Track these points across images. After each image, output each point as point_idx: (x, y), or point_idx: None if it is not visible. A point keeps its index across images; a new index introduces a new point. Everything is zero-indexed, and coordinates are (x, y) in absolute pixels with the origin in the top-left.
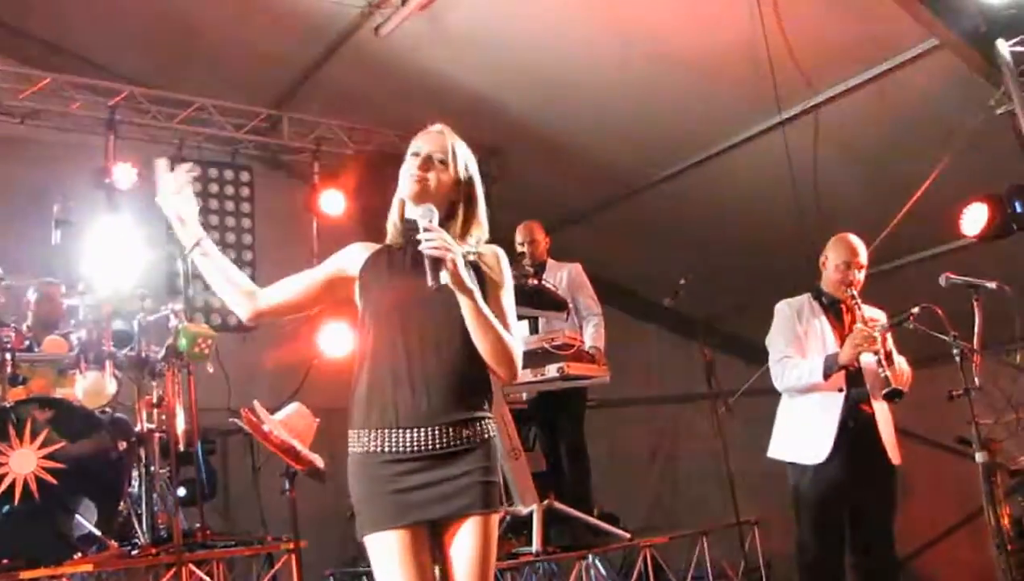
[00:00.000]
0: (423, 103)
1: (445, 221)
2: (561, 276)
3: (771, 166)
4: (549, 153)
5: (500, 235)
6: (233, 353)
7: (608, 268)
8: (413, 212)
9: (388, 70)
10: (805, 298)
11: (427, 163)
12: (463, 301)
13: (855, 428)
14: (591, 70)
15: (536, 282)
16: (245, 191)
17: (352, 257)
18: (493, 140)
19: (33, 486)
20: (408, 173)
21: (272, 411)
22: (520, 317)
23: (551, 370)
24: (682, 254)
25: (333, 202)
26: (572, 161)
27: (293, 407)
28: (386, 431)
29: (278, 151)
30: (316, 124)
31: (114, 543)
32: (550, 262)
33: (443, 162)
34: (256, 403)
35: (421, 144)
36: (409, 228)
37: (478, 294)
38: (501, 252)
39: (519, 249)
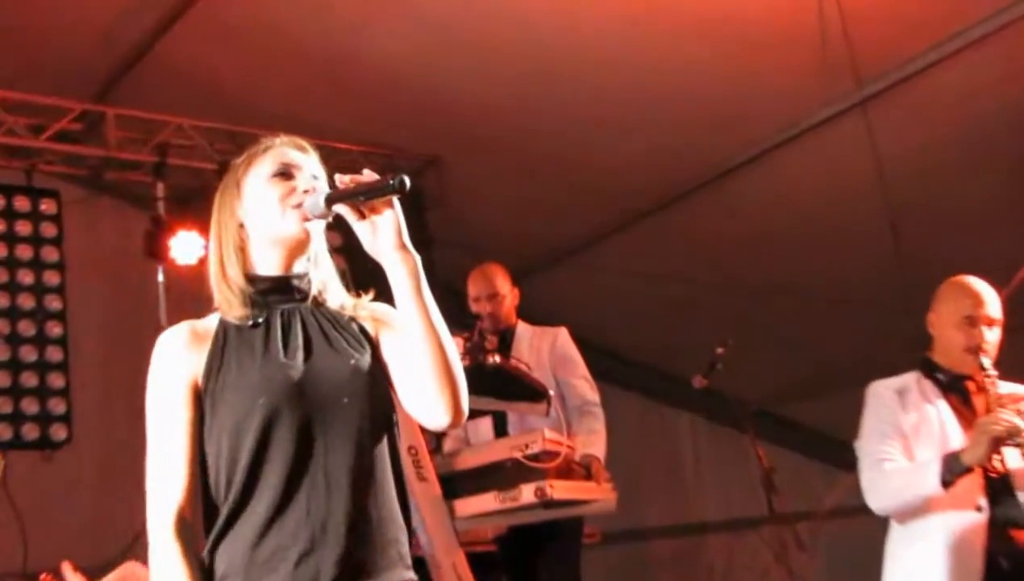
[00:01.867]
0: (321, 92)
1: (305, 280)
2: (539, 348)
3: (845, 167)
4: (518, 164)
5: (443, 285)
6: (31, 483)
7: (610, 333)
8: (294, 216)
9: (266, 42)
10: (912, 376)
11: (302, 180)
12: (404, 274)
13: (1011, 571)
14: (585, 50)
15: (499, 360)
16: (49, 229)
17: (182, 360)
18: (429, 145)
19: None
20: (280, 196)
21: (93, 577)
22: (475, 413)
23: (526, 493)
24: (720, 307)
25: (188, 243)
26: (554, 174)
27: (127, 569)
28: None
29: (100, 166)
30: (159, 124)
31: None
32: (521, 327)
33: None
34: (66, 567)
35: (286, 154)
36: (271, 288)
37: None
38: (383, 306)
39: (473, 307)
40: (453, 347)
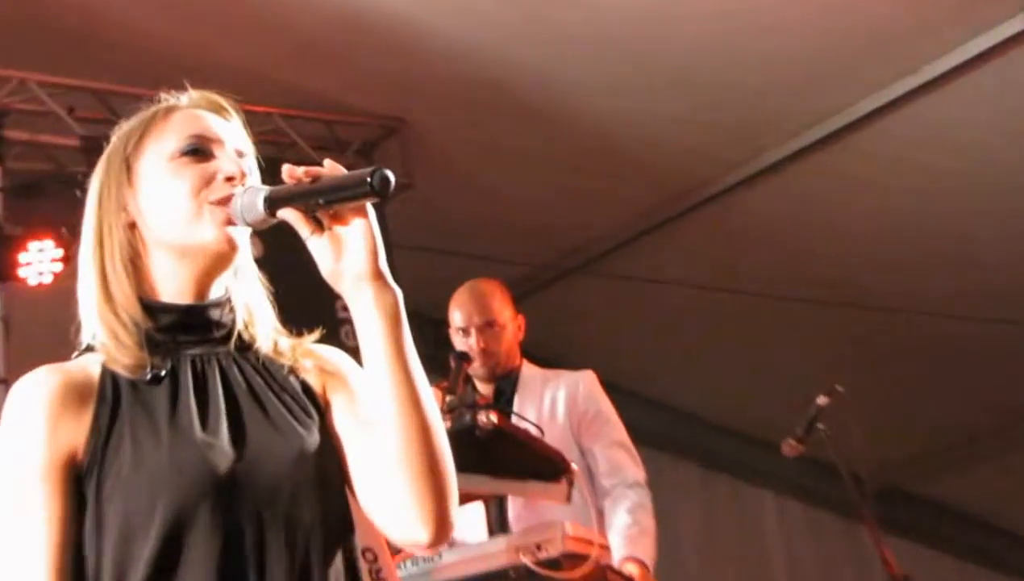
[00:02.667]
0: (240, 32)
1: (227, 309)
2: (554, 401)
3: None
4: (521, 130)
5: (408, 309)
6: None
7: (658, 377)
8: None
9: None
10: None
11: (225, 161)
12: (377, 317)
13: None
14: None
15: (497, 420)
16: None
17: (52, 425)
18: (389, 103)
19: None
20: (192, 187)
21: None
22: (466, 497)
23: None
24: (817, 337)
25: (40, 255)
26: (571, 147)
27: None
28: None
29: None
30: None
31: None
32: (528, 371)
33: (244, 171)
34: None
35: (200, 121)
36: (178, 322)
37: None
38: (332, 349)
39: (457, 341)
40: (441, 429)
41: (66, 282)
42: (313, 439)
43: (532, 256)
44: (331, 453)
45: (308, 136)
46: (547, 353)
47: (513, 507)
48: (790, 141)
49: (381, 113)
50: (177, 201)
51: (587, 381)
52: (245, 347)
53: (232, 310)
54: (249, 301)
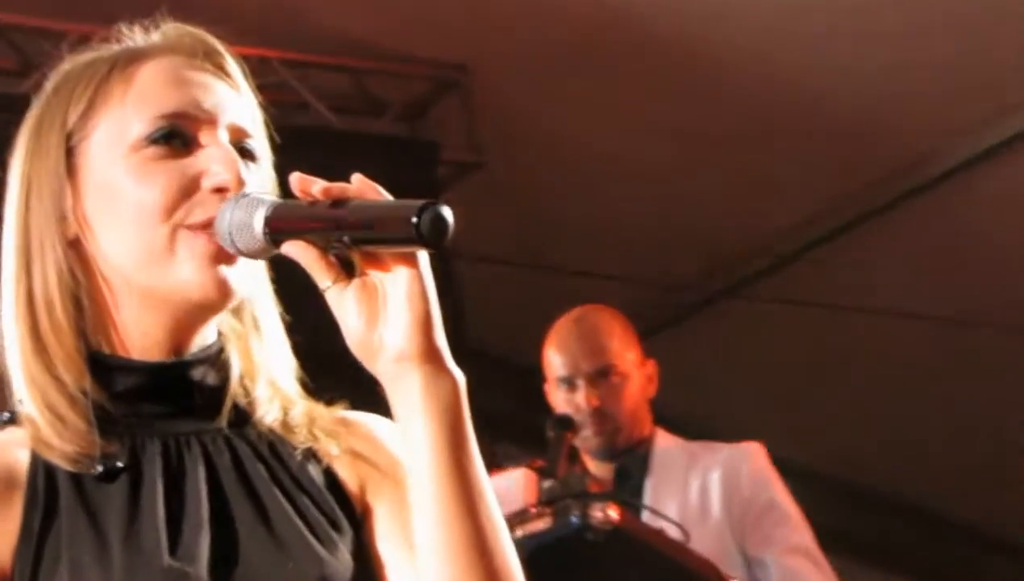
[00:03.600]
0: None
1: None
2: (703, 488)
3: None
4: (645, 87)
5: (473, 347)
6: None
7: (855, 449)
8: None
9: None
10: None
11: (214, 154)
12: (427, 414)
13: None
14: None
15: (619, 517)
16: None
17: None
18: (451, 44)
19: None
20: (164, 200)
21: None
22: None
23: None
24: None
25: None
26: (724, 109)
27: None
28: None
29: None
30: None
31: None
32: (664, 444)
33: (254, 157)
34: None
35: (181, 78)
36: (145, 387)
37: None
38: (380, 421)
39: (558, 401)
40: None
41: None
42: (339, 565)
43: (660, 273)
44: None
45: (326, 93)
46: (685, 416)
47: None
48: None
49: (435, 59)
50: (139, 222)
51: (753, 458)
52: (242, 421)
53: (225, 367)
54: (251, 350)
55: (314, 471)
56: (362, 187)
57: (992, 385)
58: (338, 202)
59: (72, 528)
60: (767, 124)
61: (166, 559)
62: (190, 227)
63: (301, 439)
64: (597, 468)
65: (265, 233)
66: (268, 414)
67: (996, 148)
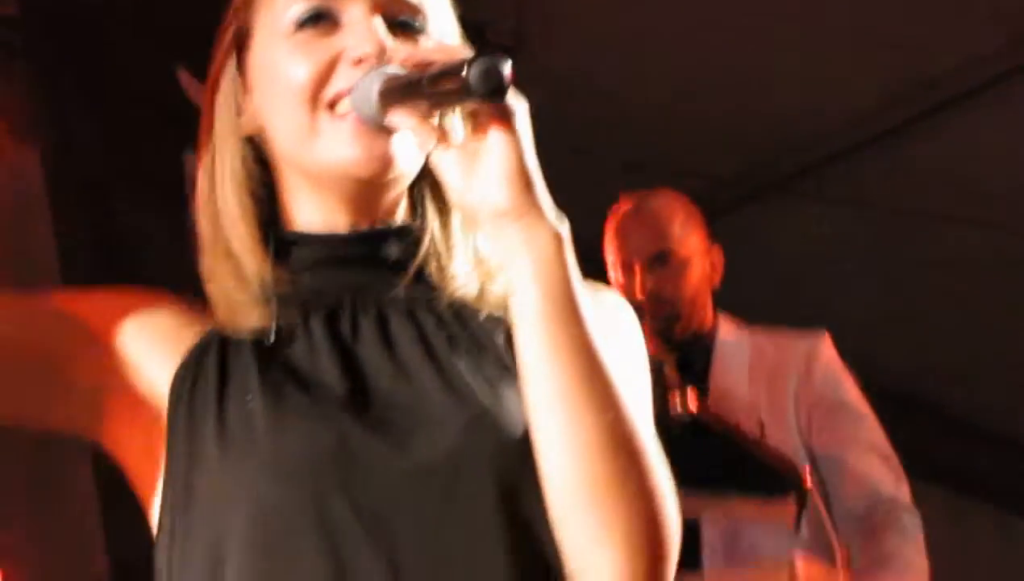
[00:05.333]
0: None
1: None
2: (772, 379)
3: None
4: None
5: None
6: None
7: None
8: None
9: None
10: None
11: (368, 41)
12: (528, 264)
13: None
14: None
15: (693, 404)
16: None
17: (158, 335)
18: None
19: None
20: (307, 79)
21: None
22: None
23: None
24: None
25: None
26: None
27: None
28: None
29: None
30: None
31: None
32: (727, 333)
33: (415, 30)
34: None
35: None
36: (325, 258)
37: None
38: (615, 299)
39: (619, 289)
40: (649, 458)
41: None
42: (515, 419)
43: (717, 163)
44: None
45: None
46: (745, 303)
47: (709, 535)
48: None
49: None
50: (291, 103)
51: (824, 351)
52: (430, 293)
53: (412, 240)
54: (451, 224)
55: (501, 336)
56: (441, 50)
57: None
58: (423, 67)
59: (239, 365)
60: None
61: (342, 413)
62: (331, 102)
63: (494, 308)
64: (666, 356)
65: (378, 103)
66: (462, 288)
67: None
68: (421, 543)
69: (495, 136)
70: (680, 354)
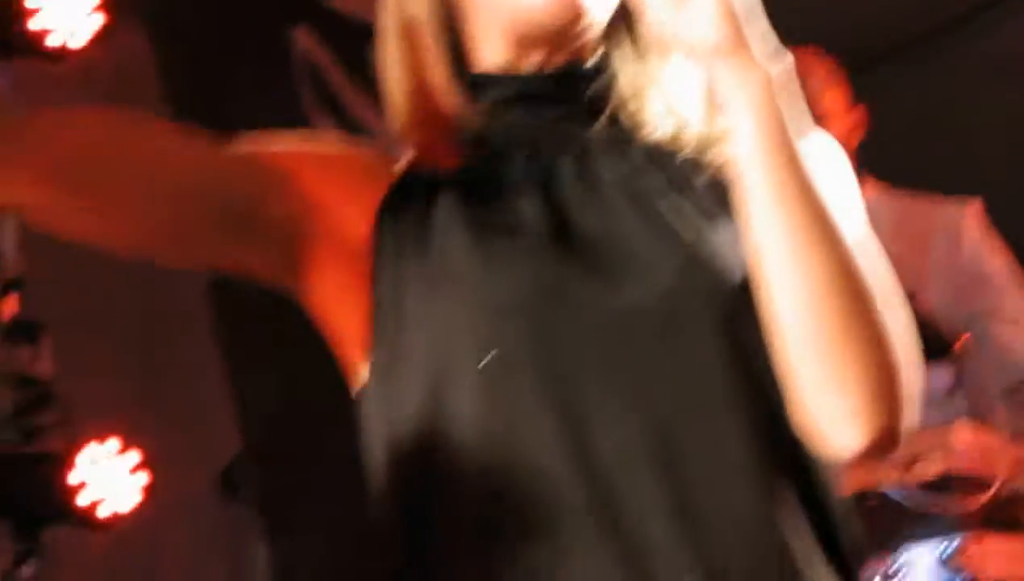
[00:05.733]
0: None
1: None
2: (921, 246)
3: None
4: None
5: None
6: None
7: None
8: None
9: None
10: None
11: None
12: (737, 113)
13: None
14: None
15: None
16: None
17: (351, 178)
18: None
19: None
20: None
21: None
22: None
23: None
24: None
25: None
26: None
27: None
28: None
29: None
30: None
31: None
32: (874, 198)
33: None
34: None
35: None
36: (515, 95)
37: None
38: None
39: None
40: (872, 287)
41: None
42: (724, 257)
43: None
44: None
45: None
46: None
47: None
48: None
49: None
50: None
51: (973, 220)
52: (625, 135)
53: (606, 81)
54: (649, 68)
55: (704, 182)
56: None
57: None
58: None
59: (446, 222)
60: None
61: (548, 251)
62: None
63: (690, 151)
64: None
65: None
66: (657, 130)
67: None
68: (646, 379)
69: None
70: None
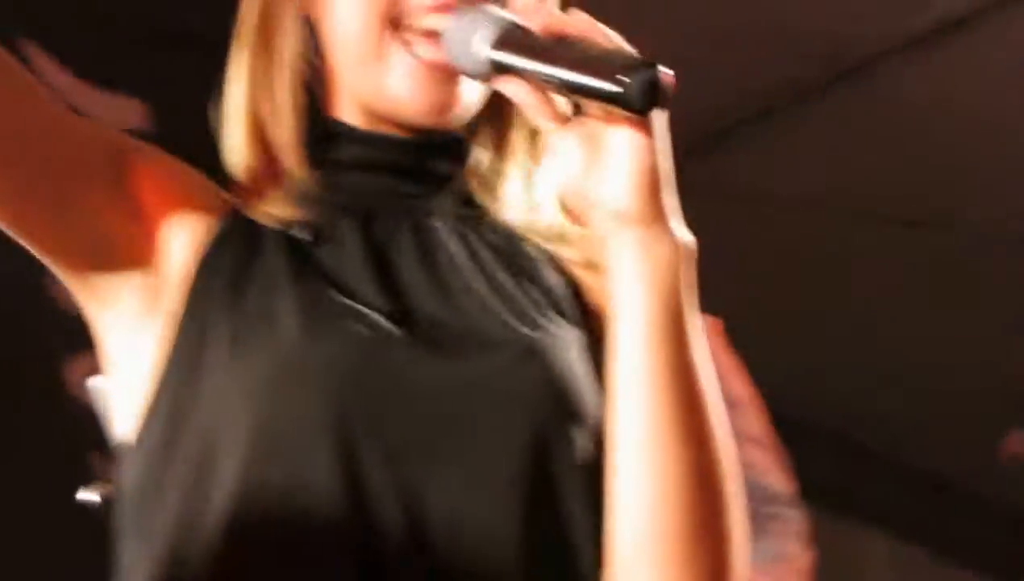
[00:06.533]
0: None
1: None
2: None
3: None
4: None
5: None
6: None
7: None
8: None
9: None
10: None
11: None
12: (644, 285)
13: None
14: None
15: None
16: None
17: (184, 203)
18: None
19: None
20: (378, 8)
21: None
22: None
23: None
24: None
25: None
26: None
27: None
28: None
29: None
30: None
31: None
32: None
33: None
34: None
35: None
36: (367, 159)
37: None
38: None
39: None
40: (734, 488)
41: None
42: (563, 340)
43: None
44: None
45: None
46: None
47: None
48: None
49: None
50: (357, 14)
51: (715, 340)
52: (477, 214)
53: (462, 155)
54: (512, 144)
55: (551, 276)
56: (586, 27)
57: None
58: (557, 39)
59: (268, 279)
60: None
61: (375, 321)
62: (407, 36)
63: (543, 242)
64: None
65: (486, 58)
66: (509, 212)
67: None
68: (440, 476)
69: (628, 134)
70: None
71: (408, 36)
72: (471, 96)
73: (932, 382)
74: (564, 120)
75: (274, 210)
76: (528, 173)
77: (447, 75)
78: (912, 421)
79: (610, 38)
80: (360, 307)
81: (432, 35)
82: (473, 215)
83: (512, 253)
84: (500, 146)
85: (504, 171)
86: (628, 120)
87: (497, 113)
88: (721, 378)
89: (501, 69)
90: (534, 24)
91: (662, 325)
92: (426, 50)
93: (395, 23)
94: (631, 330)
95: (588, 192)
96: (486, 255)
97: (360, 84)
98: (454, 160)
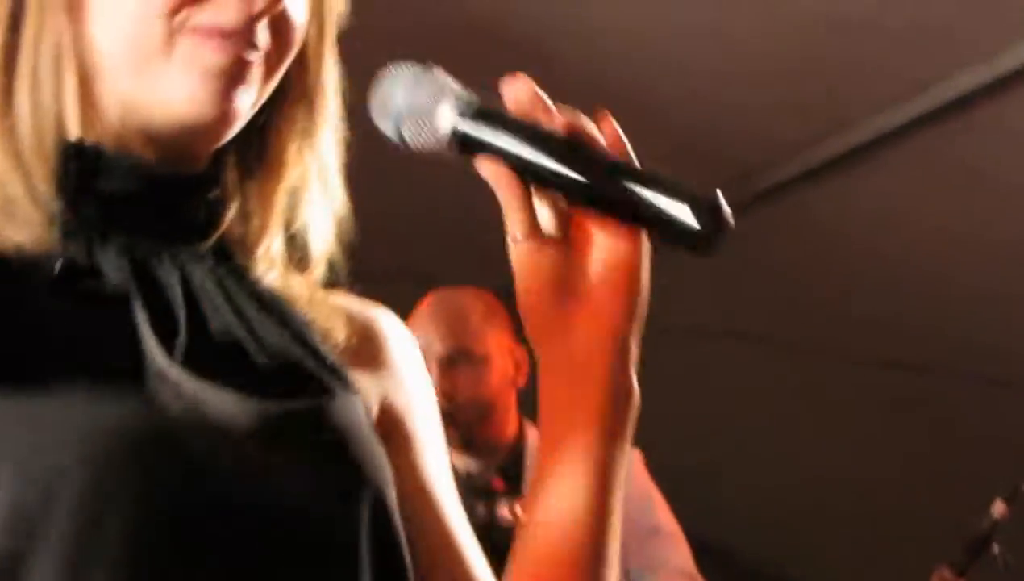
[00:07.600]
0: None
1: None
2: None
3: None
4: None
5: None
6: None
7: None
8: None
9: None
10: None
11: None
12: (599, 428)
13: None
14: None
15: (517, 517)
16: None
17: None
18: None
19: None
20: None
21: None
22: None
23: None
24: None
25: None
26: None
27: None
28: None
29: None
30: None
31: None
32: (535, 440)
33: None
34: None
35: None
36: (132, 192)
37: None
38: (392, 323)
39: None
40: None
41: None
42: (350, 403)
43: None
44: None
45: None
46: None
47: None
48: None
49: None
50: (137, 7)
51: (637, 470)
52: (237, 267)
53: (222, 199)
54: (272, 194)
55: (312, 336)
56: (614, 140)
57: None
58: (573, 144)
59: (32, 311)
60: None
61: (158, 361)
62: (197, 30)
63: (303, 302)
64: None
65: (454, 136)
66: (268, 273)
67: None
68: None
69: (618, 256)
70: (491, 462)
71: (196, 31)
72: (250, 105)
73: (856, 519)
74: (537, 233)
75: (23, 235)
76: (286, 231)
77: (238, 76)
78: (837, 557)
79: (629, 152)
80: (116, 368)
81: (226, 34)
82: (232, 265)
83: (281, 314)
84: (263, 194)
85: (265, 223)
86: (624, 234)
87: (258, 154)
88: (655, 513)
89: (471, 150)
90: (549, 121)
91: (605, 473)
92: (217, 46)
93: (183, 18)
94: (573, 470)
95: (554, 321)
96: (242, 299)
97: (136, 87)
98: (212, 202)
